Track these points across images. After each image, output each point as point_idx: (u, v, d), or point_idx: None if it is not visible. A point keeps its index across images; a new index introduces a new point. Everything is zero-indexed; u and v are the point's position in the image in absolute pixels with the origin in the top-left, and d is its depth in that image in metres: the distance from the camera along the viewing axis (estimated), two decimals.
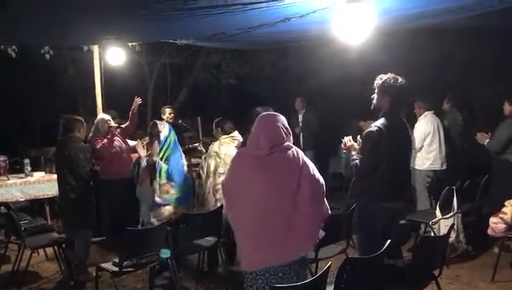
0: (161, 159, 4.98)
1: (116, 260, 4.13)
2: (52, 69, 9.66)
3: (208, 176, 4.86)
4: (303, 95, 8.58)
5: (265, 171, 2.83)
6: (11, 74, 9.43)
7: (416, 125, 6.02)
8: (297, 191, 2.84)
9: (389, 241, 3.17)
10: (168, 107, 7.26)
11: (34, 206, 7.41)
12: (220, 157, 4.80)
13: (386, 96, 3.70)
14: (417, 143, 5.94)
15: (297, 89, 9.13)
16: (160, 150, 5.01)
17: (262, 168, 2.83)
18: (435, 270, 3.62)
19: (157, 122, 5.18)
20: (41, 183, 7.03)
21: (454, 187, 5.32)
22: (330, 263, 2.84)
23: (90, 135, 6.15)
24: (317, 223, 2.92)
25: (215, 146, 4.92)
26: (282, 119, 2.99)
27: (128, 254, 4.11)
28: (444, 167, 6.02)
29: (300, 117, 8.63)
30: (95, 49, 7.22)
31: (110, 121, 6.11)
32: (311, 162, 2.98)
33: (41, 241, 5.24)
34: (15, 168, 7.91)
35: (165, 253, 4.21)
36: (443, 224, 5.24)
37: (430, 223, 5.22)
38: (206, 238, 4.72)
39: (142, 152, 5.22)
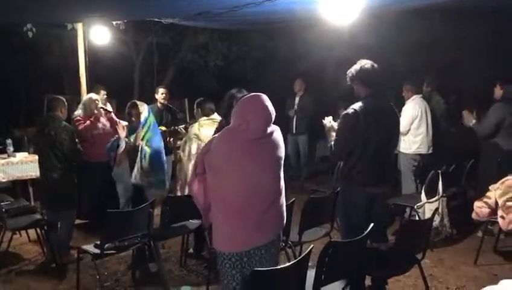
0: (142, 140, 4.90)
1: (98, 242, 4.08)
2: (36, 47, 9.44)
3: (189, 159, 4.79)
4: (300, 77, 8.32)
5: (258, 154, 2.82)
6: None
7: (403, 108, 5.98)
8: (279, 172, 2.93)
9: (371, 225, 3.14)
10: (162, 87, 7.03)
11: (17, 187, 7.28)
12: (200, 140, 4.71)
13: (359, 84, 3.70)
14: (404, 126, 5.89)
15: (287, 72, 9.00)
16: (140, 132, 4.93)
17: (255, 151, 2.81)
18: (418, 254, 3.61)
19: (137, 102, 5.06)
20: (24, 164, 6.91)
21: (439, 171, 5.31)
22: (312, 246, 2.81)
23: (75, 113, 6.02)
24: (284, 202, 2.98)
25: (195, 128, 4.83)
26: (269, 101, 2.93)
27: (109, 236, 4.05)
28: (430, 151, 6.00)
29: (297, 100, 8.34)
30: (79, 27, 7.04)
31: (98, 101, 5.96)
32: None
33: (23, 223, 5.16)
34: None
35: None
36: (428, 208, 5.24)
37: (415, 207, 5.22)
38: (191, 220, 4.67)
39: (122, 133, 5.14)
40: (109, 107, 6.27)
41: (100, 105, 5.94)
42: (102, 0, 5.01)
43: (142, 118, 4.95)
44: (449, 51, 8.25)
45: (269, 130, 2.87)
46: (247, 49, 9.93)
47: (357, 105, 3.63)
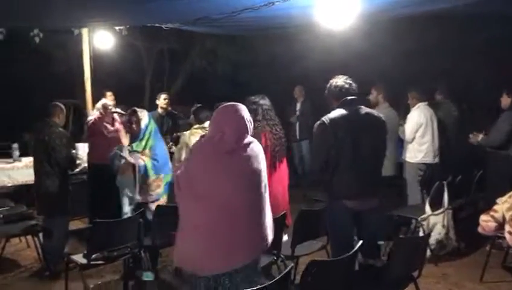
0: (144, 148, 4.80)
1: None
2: (47, 52, 9.51)
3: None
4: (300, 83, 8.34)
5: (231, 168, 2.64)
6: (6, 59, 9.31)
7: (408, 116, 5.80)
8: (256, 187, 2.71)
9: (360, 242, 2.98)
10: (164, 93, 7.09)
11: (22, 191, 7.28)
12: (189, 148, 4.59)
13: (332, 99, 3.69)
14: (408, 134, 5.74)
15: (293, 77, 8.90)
16: (142, 139, 4.83)
17: (227, 164, 2.63)
18: (414, 271, 3.43)
19: (137, 109, 4.97)
20: (29, 169, 6.78)
21: (444, 182, 5.10)
22: (292, 265, 2.66)
23: (89, 118, 6.02)
24: (270, 223, 2.77)
25: (186, 136, 4.73)
26: (245, 110, 2.79)
27: (97, 246, 3.97)
28: (437, 160, 5.79)
29: (298, 106, 8.40)
30: (84, 32, 7.06)
31: (110, 107, 5.93)
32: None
33: (15, 230, 5.12)
34: (5, 153, 7.78)
35: (147, 276, 4.08)
36: (432, 221, 5.05)
37: (419, 219, 5.02)
38: None
39: (125, 140, 5.05)
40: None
41: (113, 109, 5.91)
42: (102, 6, 4.97)
43: (143, 124, 4.84)
44: (446, 58, 8.04)
45: (245, 141, 2.70)
46: (254, 54, 9.83)
47: (326, 116, 3.55)
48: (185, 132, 4.83)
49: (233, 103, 2.78)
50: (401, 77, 7.27)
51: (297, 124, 8.25)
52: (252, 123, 2.78)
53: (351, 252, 2.92)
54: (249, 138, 2.73)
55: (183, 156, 4.62)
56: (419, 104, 5.78)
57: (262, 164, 2.75)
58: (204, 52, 10.08)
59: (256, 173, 2.71)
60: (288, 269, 2.60)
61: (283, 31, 6.36)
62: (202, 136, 2.90)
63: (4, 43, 7.71)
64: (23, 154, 7.17)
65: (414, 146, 5.76)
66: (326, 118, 3.53)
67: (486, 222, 4.66)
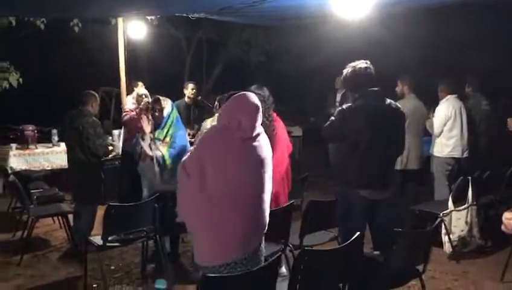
0: (165, 136, 4.90)
1: None
2: (86, 42, 9.84)
3: None
4: (341, 73, 8.17)
5: (247, 155, 2.70)
6: (47, 48, 9.72)
7: (436, 109, 5.63)
8: (265, 175, 2.79)
9: (357, 233, 2.95)
10: (191, 83, 7.16)
11: (62, 175, 7.62)
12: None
13: (348, 89, 3.85)
14: (436, 128, 5.58)
15: (328, 67, 8.77)
16: (163, 127, 4.93)
17: (243, 152, 2.70)
18: (419, 265, 3.37)
19: (160, 98, 5.08)
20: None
21: (469, 177, 4.93)
22: (279, 253, 2.67)
23: (126, 106, 6.21)
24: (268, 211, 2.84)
25: (207, 123, 4.77)
26: (258, 100, 2.83)
27: (112, 229, 4.11)
28: (466, 155, 5.60)
29: (338, 96, 8.14)
30: (119, 22, 7.23)
31: (144, 96, 6.05)
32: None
33: (47, 211, 5.39)
34: (46, 138, 8.15)
35: (160, 283, 4.17)
36: (455, 217, 4.90)
37: (441, 214, 4.88)
38: None
39: (147, 128, 5.15)
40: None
41: (146, 100, 6.04)
42: None
43: (165, 112, 4.93)
44: (464, 48, 7.68)
45: (257, 131, 2.76)
46: (288, 44, 9.79)
47: (347, 105, 3.55)
48: (206, 119, 4.88)
49: (246, 92, 2.84)
50: (427, 68, 7.05)
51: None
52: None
53: (346, 243, 2.90)
54: (260, 128, 2.79)
55: None
56: (448, 96, 5.60)
57: (269, 155, 2.84)
58: (241, 42, 10.12)
59: (265, 162, 2.78)
60: (276, 256, 2.60)
61: (301, 22, 6.29)
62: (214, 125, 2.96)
63: (45, 32, 8.08)
64: (62, 139, 7.46)
65: (442, 140, 5.60)
66: (347, 107, 3.55)
67: (509, 220, 4.45)
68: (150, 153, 4.72)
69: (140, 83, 7.10)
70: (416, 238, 3.29)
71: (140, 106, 5.60)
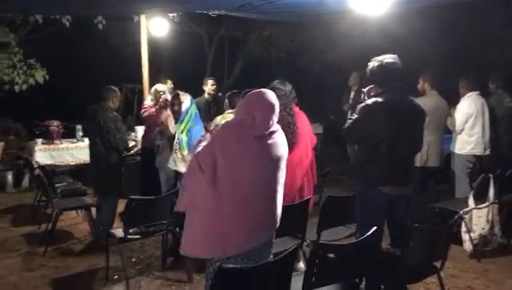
0: (182, 131, 4.98)
1: None
2: (110, 38, 10.00)
3: None
4: (356, 70, 8.13)
5: (260, 152, 2.73)
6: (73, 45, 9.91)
7: (458, 106, 5.56)
8: (279, 172, 2.83)
9: (374, 228, 2.96)
10: (211, 79, 7.22)
11: (85, 170, 7.77)
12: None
13: (374, 83, 3.64)
14: (458, 125, 5.52)
15: (348, 64, 8.74)
16: (182, 121, 5.02)
17: (257, 148, 2.72)
18: (437, 262, 3.36)
19: (180, 92, 5.16)
20: None
21: (491, 175, 4.87)
22: (294, 246, 2.69)
23: (145, 102, 6.30)
24: (280, 207, 2.88)
25: (217, 120, 4.78)
26: (276, 98, 2.85)
27: (133, 221, 4.20)
28: (488, 153, 5.52)
29: (352, 94, 8.15)
30: (142, 19, 7.35)
31: (162, 92, 6.14)
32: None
33: (70, 204, 5.52)
34: (71, 134, 8.32)
35: None
36: (476, 215, 4.85)
37: (461, 212, 4.84)
38: None
39: (172, 125, 5.22)
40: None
41: (164, 96, 6.12)
42: None
43: (184, 107, 5.03)
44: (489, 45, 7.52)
45: (272, 128, 2.79)
46: (309, 40, 9.76)
47: (371, 100, 3.51)
48: (217, 116, 4.92)
49: (264, 89, 2.85)
50: (449, 65, 6.96)
51: (349, 113, 8.07)
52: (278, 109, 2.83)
53: (361, 237, 2.91)
54: (276, 126, 2.81)
55: None
56: (470, 93, 5.53)
57: (284, 151, 2.86)
58: (261, 38, 10.15)
59: (280, 160, 2.81)
60: (291, 248, 2.63)
61: (320, 19, 6.28)
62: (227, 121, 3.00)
63: (70, 30, 8.26)
64: (86, 135, 7.60)
65: (463, 137, 5.54)
66: (372, 102, 3.52)
67: None
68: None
69: (169, 81, 7.14)
70: (432, 235, 3.27)
71: (160, 103, 5.75)
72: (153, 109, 5.97)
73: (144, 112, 6.02)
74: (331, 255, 2.75)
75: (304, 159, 4.14)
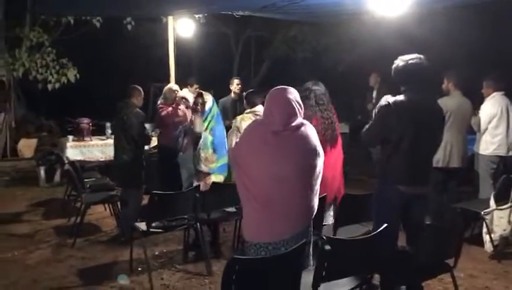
0: (205, 129, 5.12)
1: None
2: (140, 39, 10.24)
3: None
4: (375, 70, 8.20)
5: (279, 146, 2.80)
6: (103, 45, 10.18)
7: (482, 106, 5.52)
8: (307, 165, 2.86)
9: (384, 226, 3.01)
10: (237, 78, 7.38)
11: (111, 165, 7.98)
12: (240, 132, 4.70)
13: (396, 81, 3.62)
14: (482, 125, 5.47)
15: (374, 64, 8.72)
16: (204, 120, 5.15)
17: (275, 142, 2.80)
18: (449, 259, 3.37)
19: (203, 92, 5.30)
20: None
21: None
22: (305, 240, 2.77)
23: (159, 102, 6.46)
24: (316, 200, 2.95)
25: (237, 121, 4.87)
26: (295, 93, 2.92)
27: (155, 216, 4.34)
28: (511, 154, 5.46)
29: (374, 93, 8.32)
30: (169, 20, 7.53)
31: (177, 91, 6.33)
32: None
33: (97, 198, 5.72)
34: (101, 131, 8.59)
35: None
36: (497, 215, 4.82)
37: (482, 213, 4.81)
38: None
39: (200, 126, 5.33)
40: (190, 98, 6.55)
41: (180, 95, 6.28)
42: None
43: (207, 107, 5.16)
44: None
45: (294, 123, 2.84)
46: (335, 40, 9.78)
47: (392, 98, 3.50)
48: (237, 117, 5.03)
49: (284, 86, 2.92)
50: (472, 65, 6.87)
51: (374, 112, 8.10)
52: (303, 107, 2.91)
53: (373, 233, 2.97)
54: (299, 120, 2.86)
55: (234, 139, 4.82)
56: (494, 93, 5.48)
57: (312, 145, 2.87)
58: (287, 38, 10.23)
59: (307, 152, 2.85)
60: (302, 242, 2.71)
61: (337, 19, 6.30)
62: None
63: (101, 30, 8.53)
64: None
65: (487, 137, 5.49)
66: (392, 101, 3.51)
67: None
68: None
69: (196, 86, 7.20)
70: (444, 232, 3.29)
71: (177, 101, 5.96)
72: (170, 108, 6.15)
73: (162, 111, 6.18)
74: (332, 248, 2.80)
75: (339, 160, 4.44)
